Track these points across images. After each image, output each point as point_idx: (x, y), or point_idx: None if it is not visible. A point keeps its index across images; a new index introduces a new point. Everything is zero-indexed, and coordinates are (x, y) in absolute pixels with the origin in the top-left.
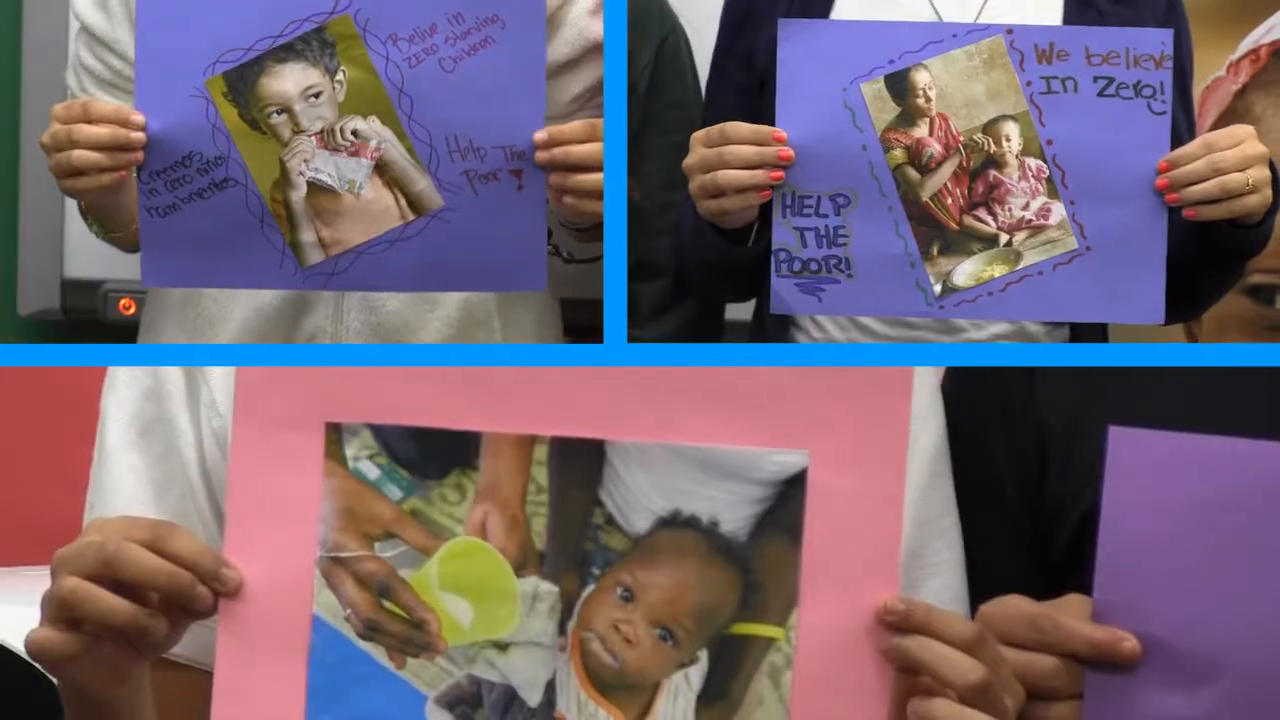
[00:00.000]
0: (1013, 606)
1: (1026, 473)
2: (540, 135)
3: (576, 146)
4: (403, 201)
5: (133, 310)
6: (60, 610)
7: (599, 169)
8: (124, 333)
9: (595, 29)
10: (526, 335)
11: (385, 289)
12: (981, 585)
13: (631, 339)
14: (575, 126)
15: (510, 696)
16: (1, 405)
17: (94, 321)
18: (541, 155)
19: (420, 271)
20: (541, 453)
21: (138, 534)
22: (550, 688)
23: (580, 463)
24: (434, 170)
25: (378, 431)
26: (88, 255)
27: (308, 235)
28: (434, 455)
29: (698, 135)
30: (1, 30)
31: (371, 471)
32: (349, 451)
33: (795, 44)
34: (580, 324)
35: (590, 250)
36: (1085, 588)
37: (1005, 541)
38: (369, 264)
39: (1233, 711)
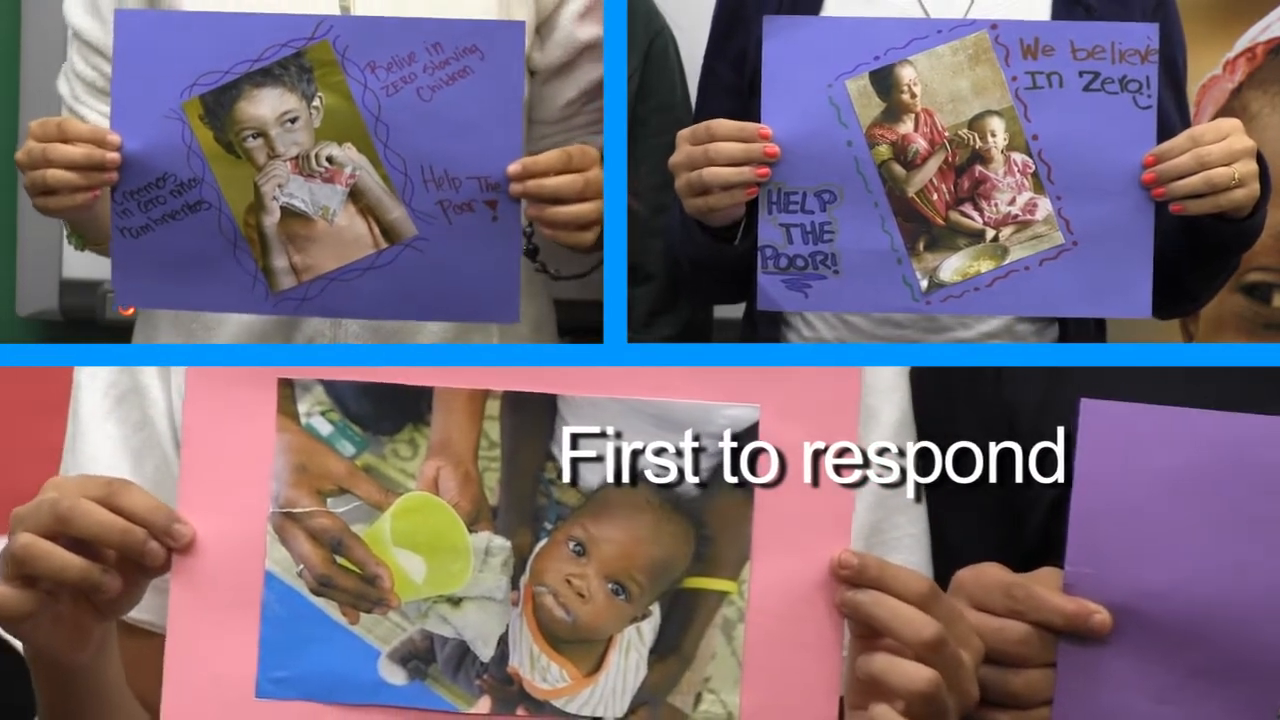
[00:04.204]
0: (988, 574)
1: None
2: (514, 168)
3: (550, 179)
4: (376, 229)
5: (131, 311)
6: (14, 567)
7: (573, 201)
8: (122, 333)
9: (585, 32)
10: (523, 336)
11: (356, 316)
12: (954, 564)
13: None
14: (549, 157)
15: (463, 651)
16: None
17: (92, 322)
18: (515, 187)
19: (392, 300)
20: (494, 407)
21: (92, 491)
22: (503, 642)
23: (532, 417)
24: (408, 199)
25: (330, 387)
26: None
27: (280, 260)
28: (386, 411)
29: (683, 133)
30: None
31: (324, 427)
32: (301, 407)
33: (780, 40)
34: (579, 324)
35: (580, 264)
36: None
37: (975, 520)
38: (340, 291)
39: (1203, 682)
